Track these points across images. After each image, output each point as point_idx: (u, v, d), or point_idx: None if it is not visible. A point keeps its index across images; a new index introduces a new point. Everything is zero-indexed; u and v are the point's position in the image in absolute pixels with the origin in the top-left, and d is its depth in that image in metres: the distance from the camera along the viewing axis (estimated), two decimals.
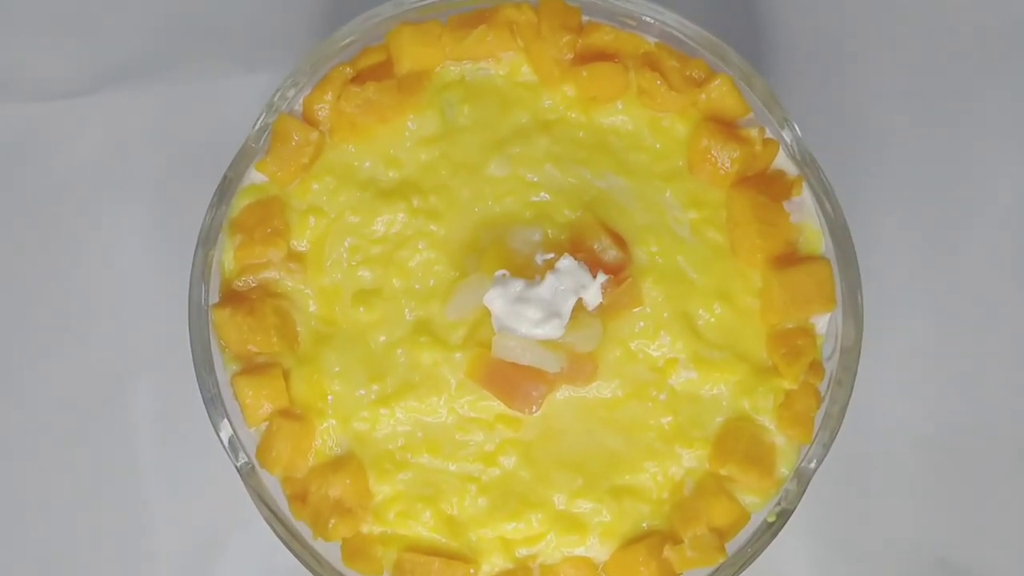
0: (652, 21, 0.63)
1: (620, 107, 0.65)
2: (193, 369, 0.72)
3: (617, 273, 0.62)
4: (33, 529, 0.75)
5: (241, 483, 0.71)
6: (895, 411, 0.75)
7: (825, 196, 0.63)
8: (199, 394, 0.72)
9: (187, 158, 0.76)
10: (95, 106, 0.77)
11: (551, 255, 0.61)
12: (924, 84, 0.76)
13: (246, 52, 0.76)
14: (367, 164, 0.65)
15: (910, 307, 0.75)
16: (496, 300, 0.60)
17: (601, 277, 0.61)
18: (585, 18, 0.64)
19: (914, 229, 0.75)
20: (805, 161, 0.63)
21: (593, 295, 0.61)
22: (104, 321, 0.76)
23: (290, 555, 0.71)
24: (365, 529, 0.63)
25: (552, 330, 0.60)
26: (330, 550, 0.64)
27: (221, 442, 0.63)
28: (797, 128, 0.63)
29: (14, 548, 0.75)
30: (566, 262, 0.60)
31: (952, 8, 0.76)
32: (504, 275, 0.61)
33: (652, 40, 0.64)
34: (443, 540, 0.63)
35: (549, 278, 0.60)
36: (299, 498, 0.63)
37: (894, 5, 0.76)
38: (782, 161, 0.64)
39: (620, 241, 0.63)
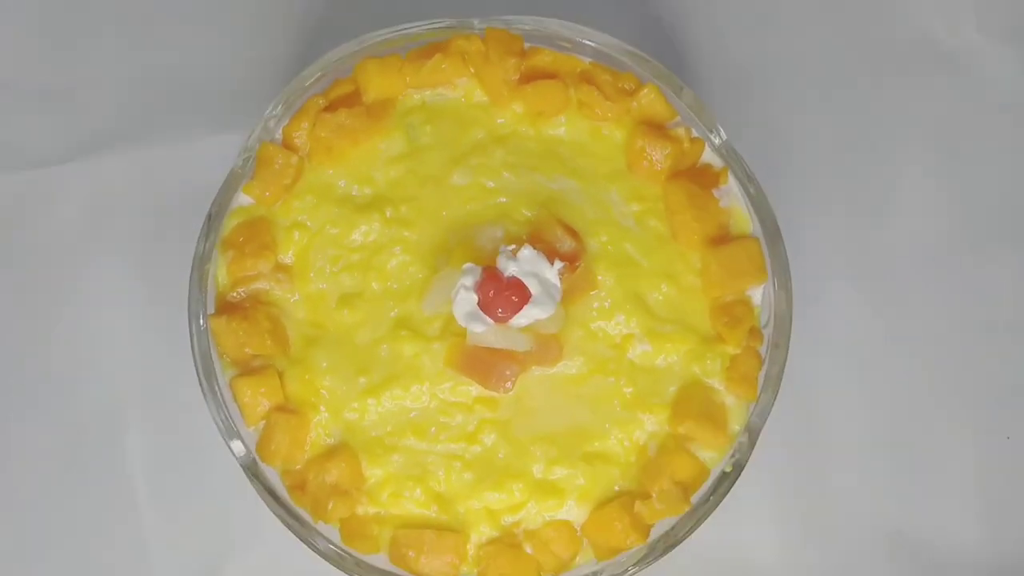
0: (587, 43, 0.71)
1: (563, 120, 0.72)
2: (182, 409, 0.78)
3: (572, 261, 0.68)
4: (39, 568, 0.77)
5: (236, 510, 0.77)
6: (836, 384, 0.80)
7: (749, 182, 0.70)
8: (190, 432, 0.78)
9: (163, 214, 0.81)
10: (74, 172, 0.81)
11: (512, 247, 0.67)
12: (834, 95, 0.84)
13: (214, 115, 0.82)
14: (343, 182, 0.71)
15: (835, 274, 0.81)
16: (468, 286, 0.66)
17: (558, 264, 0.67)
18: (527, 45, 0.72)
19: (832, 204, 0.82)
20: (729, 155, 0.71)
21: (552, 279, 0.67)
22: (93, 370, 0.80)
23: None
24: (361, 511, 0.67)
25: (539, 312, 0.66)
26: (331, 536, 0.68)
27: (223, 437, 0.67)
28: (722, 131, 0.71)
29: None
30: (526, 251, 0.67)
31: (850, 30, 0.85)
32: (471, 267, 0.67)
33: (587, 60, 0.72)
34: (434, 515, 0.68)
35: (511, 264, 0.66)
36: (298, 488, 0.68)
37: (798, 31, 0.85)
38: (708, 156, 0.72)
39: (574, 233, 0.69)
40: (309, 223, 0.71)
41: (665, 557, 0.68)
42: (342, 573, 0.69)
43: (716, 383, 0.69)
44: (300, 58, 0.83)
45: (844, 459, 0.80)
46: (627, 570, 0.67)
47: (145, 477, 0.78)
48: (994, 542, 0.80)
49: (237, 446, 0.67)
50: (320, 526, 0.68)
